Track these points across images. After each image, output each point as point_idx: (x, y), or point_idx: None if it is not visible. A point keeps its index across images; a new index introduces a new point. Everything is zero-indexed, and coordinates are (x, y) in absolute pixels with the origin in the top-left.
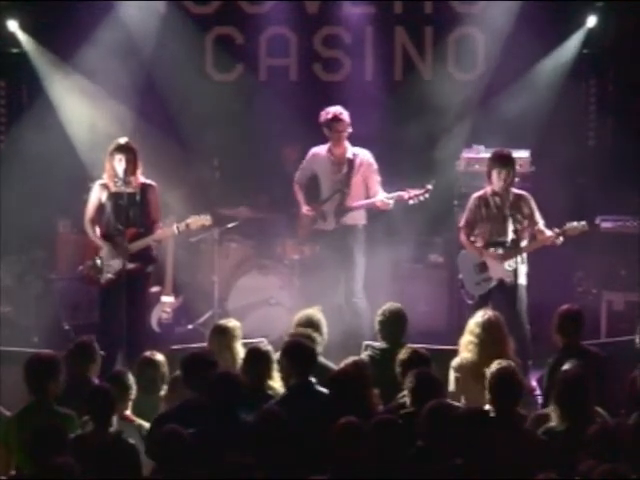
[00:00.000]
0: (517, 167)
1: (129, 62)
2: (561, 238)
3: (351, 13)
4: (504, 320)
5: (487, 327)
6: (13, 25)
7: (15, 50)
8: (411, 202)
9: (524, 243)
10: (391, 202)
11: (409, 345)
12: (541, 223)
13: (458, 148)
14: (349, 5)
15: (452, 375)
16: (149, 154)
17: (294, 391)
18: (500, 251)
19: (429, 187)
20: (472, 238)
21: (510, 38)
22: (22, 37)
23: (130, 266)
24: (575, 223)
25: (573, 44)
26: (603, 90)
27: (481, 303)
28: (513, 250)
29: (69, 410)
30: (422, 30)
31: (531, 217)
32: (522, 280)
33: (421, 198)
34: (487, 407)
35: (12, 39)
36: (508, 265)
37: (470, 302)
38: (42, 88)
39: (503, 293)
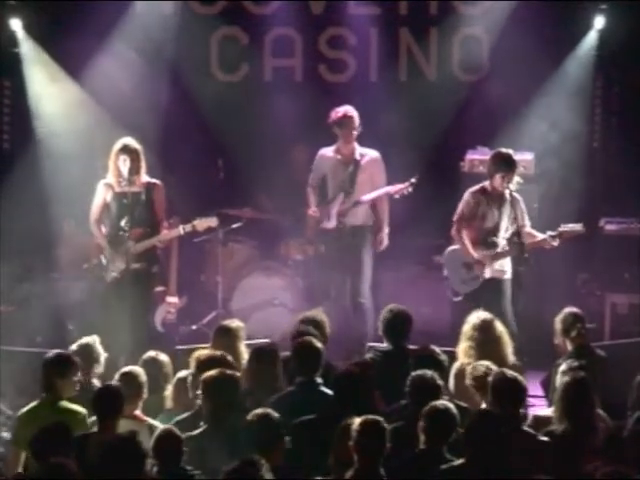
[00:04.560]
0: (521, 169)
1: (132, 63)
2: (558, 240)
3: (356, 14)
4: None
5: (483, 328)
6: (16, 24)
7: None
8: (396, 196)
9: (520, 245)
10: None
11: (432, 346)
12: (528, 226)
13: (462, 149)
14: (354, 6)
15: (452, 379)
16: (153, 155)
17: (298, 388)
18: (491, 251)
19: (413, 181)
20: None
21: (514, 39)
22: (22, 37)
23: (135, 266)
24: (571, 225)
25: (587, 46)
26: (608, 91)
27: (471, 301)
28: (505, 251)
29: (80, 407)
30: (427, 31)
31: (521, 219)
32: (507, 275)
33: (405, 192)
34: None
35: (16, 39)
36: (499, 265)
37: (455, 299)
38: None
39: (491, 291)
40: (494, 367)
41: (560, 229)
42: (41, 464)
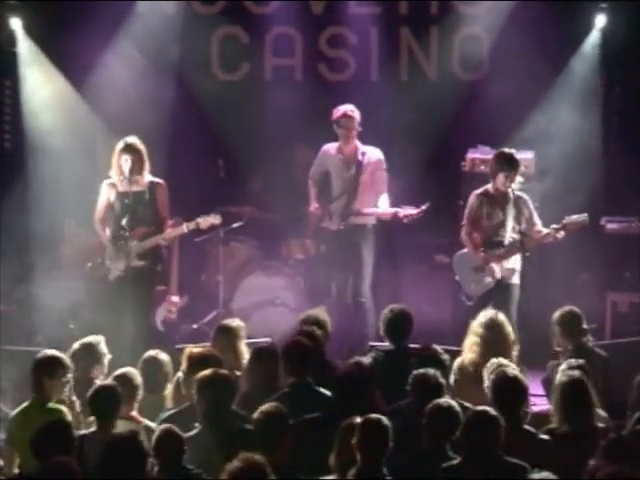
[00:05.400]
0: (522, 168)
1: (133, 62)
2: (562, 232)
3: (356, 13)
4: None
5: (490, 327)
6: (16, 23)
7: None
8: (405, 221)
9: (521, 243)
10: (389, 216)
11: (435, 345)
12: (539, 224)
13: (463, 148)
14: (354, 5)
15: (452, 376)
16: (153, 154)
17: (291, 390)
18: (498, 251)
19: (423, 208)
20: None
21: (514, 38)
22: (21, 36)
23: (139, 264)
24: (575, 216)
25: (589, 45)
26: (610, 90)
27: (480, 304)
28: (511, 250)
29: (61, 407)
30: (427, 30)
31: (530, 219)
32: (515, 279)
33: (414, 218)
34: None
35: (16, 38)
36: (507, 264)
37: (469, 303)
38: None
39: (500, 292)
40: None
41: (564, 221)
42: (43, 463)
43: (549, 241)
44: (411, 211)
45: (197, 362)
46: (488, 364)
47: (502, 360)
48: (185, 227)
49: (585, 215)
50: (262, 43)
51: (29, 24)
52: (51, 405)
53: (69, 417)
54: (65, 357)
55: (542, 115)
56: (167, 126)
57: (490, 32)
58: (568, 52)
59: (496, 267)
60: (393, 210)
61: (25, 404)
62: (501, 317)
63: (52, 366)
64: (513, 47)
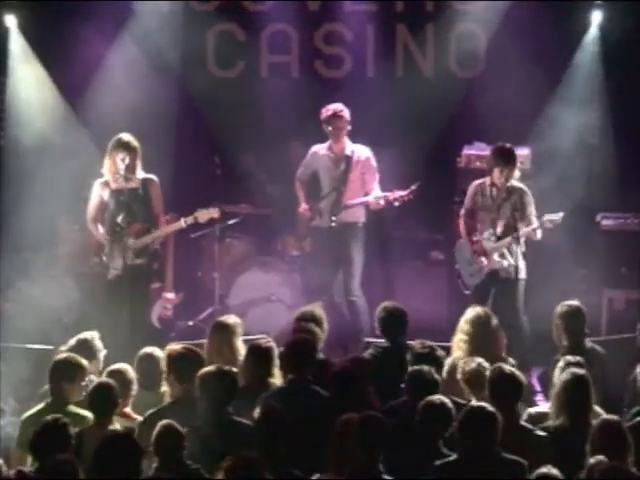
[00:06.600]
0: (518, 164)
1: (129, 60)
2: (539, 232)
3: (352, 10)
4: (496, 315)
5: (475, 323)
6: (11, 21)
7: None
8: (396, 204)
9: (513, 235)
10: (381, 201)
11: (429, 342)
12: (532, 215)
13: (459, 145)
14: (350, 3)
15: (444, 374)
16: (149, 151)
17: (290, 387)
18: (490, 243)
19: (413, 188)
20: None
21: (510, 35)
22: (14, 34)
23: (137, 261)
24: (546, 216)
25: (586, 41)
26: (607, 87)
27: (475, 294)
28: (503, 242)
29: (85, 411)
30: (423, 27)
31: (523, 210)
32: (520, 274)
33: (405, 199)
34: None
35: (9, 35)
36: (497, 256)
37: (467, 292)
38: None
39: (500, 286)
40: (486, 364)
41: (541, 219)
42: (43, 461)
43: (535, 237)
44: (400, 193)
45: (176, 360)
46: (462, 361)
47: (478, 359)
48: (183, 222)
49: (560, 214)
50: (258, 40)
51: (25, 23)
52: (71, 408)
53: (91, 417)
54: (83, 360)
55: (539, 112)
56: (163, 123)
57: (486, 30)
58: (565, 50)
59: (484, 260)
60: (382, 194)
61: (40, 407)
62: (487, 313)
63: (72, 370)
64: (509, 45)
